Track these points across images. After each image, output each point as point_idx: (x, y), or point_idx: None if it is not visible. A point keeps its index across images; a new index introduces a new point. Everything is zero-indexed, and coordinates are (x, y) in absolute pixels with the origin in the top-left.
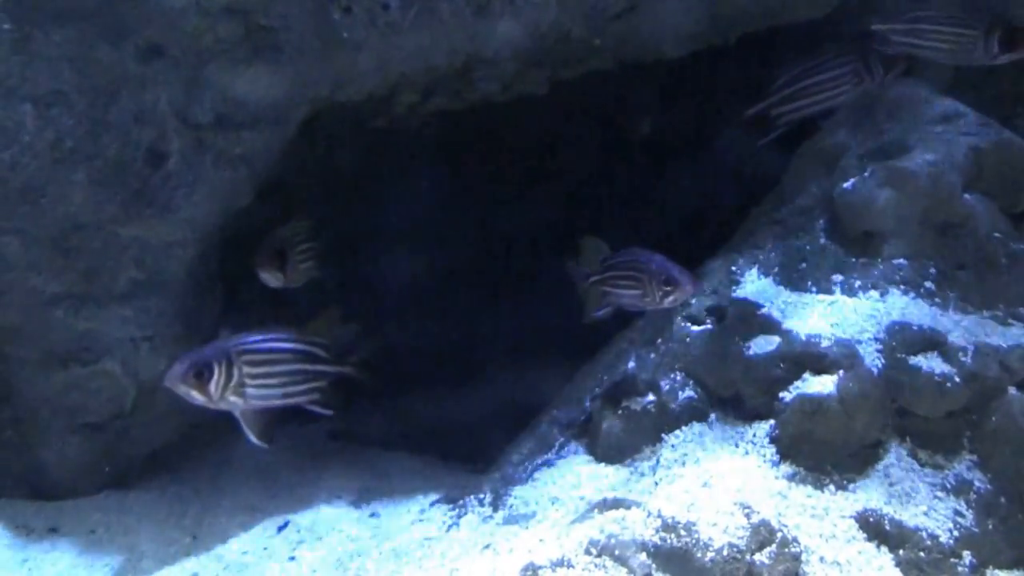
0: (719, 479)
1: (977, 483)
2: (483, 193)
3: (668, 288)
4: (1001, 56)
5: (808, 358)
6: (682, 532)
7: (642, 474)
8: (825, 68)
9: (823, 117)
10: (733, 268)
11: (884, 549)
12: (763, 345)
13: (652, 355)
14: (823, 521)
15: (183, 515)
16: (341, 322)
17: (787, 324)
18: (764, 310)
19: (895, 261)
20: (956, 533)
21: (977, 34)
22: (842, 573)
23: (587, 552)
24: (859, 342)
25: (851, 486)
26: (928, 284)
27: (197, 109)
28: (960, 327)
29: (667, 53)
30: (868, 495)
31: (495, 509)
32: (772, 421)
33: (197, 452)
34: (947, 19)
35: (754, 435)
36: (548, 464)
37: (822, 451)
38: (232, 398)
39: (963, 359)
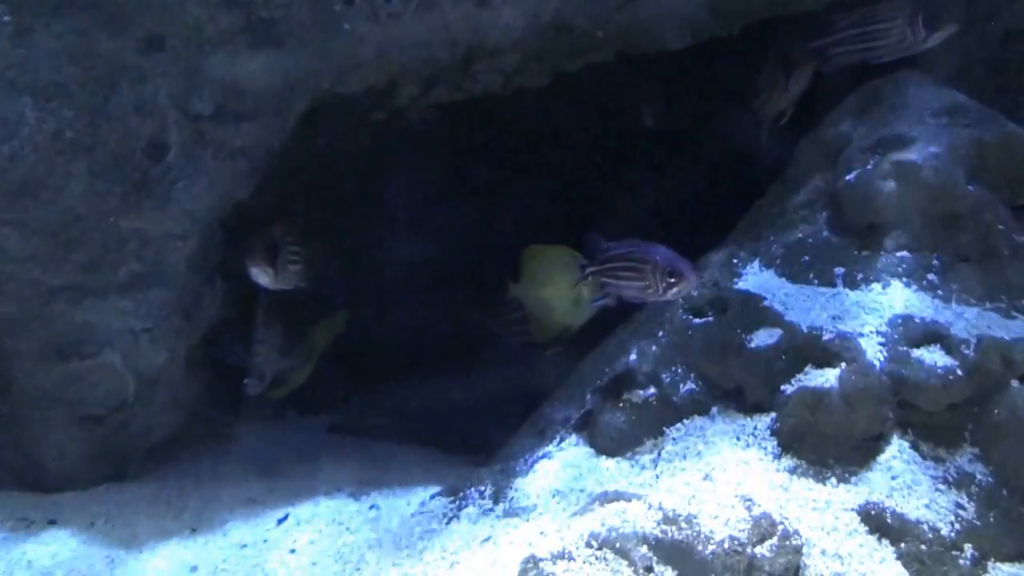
0: (720, 472)
1: (979, 476)
2: (484, 184)
3: (672, 280)
4: (930, 38)
5: (810, 351)
6: (683, 525)
7: (643, 467)
8: (879, 19)
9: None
10: (735, 260)
11: (886, 542)
12: (765, 338)
13: (653, 347)
14: (824, 514)
15: (183, 508)
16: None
17: (789, 316)
18: (766, 302)
19: (898, 253)
20: (958, 526)
21: (902, 23)
22: (843, 566)
23: (588, 545)
24: (861, 335)
25: (853, 479)
26: (931, 276)
27: (197, 101)
28: (963, 320)
29: (669, 44)
30: (870, 488)
31: (496, 501)
32: (773, 414)
33: (197, 444)
34: (871, 18)
35: (755, 428)
36: (549, 456)
37: (824, 444)
38: None
39: (965, 352)
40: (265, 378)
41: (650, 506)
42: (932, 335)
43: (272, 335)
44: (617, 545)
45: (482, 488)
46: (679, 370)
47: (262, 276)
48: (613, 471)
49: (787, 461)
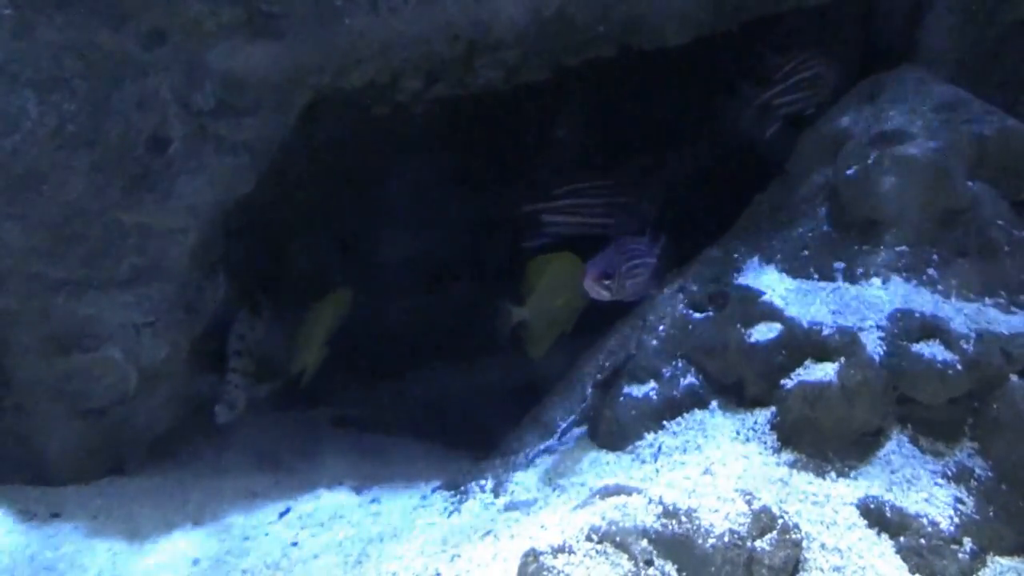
0: (720, 466)
1: (978, 470)
2: (484, 176)
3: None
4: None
5: (810, 345)
6: (683, 519)
7: (643, 461)
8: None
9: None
10: (735, 255)
11: (885, 536)
12: (765, 332)
13: (654, 342)
14: (824, 508)
15: (185, 501)
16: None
17: (789, 311)
18: (766, 297)
19: (897, 248)
20: (957, 520)
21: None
22: (843, 560)
23: (588, 538)
24: (861, 329)
25: (852, 473)
26: (930, 271)
27: (199, 95)
28: (962, 314)
29: (670, 40)
30: (869, 482)
31: (496, 495)
32: (773, 408)
33: (198, 438)
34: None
35: (755, 422)
36: (549, 450)
37: (823, 438)
38: None
39: (965, 346)
40: (236, 406)
41: (650, 500)
42: (931, 330)
43: (246, 362)
44: (617, 539)
45: (483, 482)
46: (679, 364)
47: None
48: (613, 465)
49: (787, 455)
